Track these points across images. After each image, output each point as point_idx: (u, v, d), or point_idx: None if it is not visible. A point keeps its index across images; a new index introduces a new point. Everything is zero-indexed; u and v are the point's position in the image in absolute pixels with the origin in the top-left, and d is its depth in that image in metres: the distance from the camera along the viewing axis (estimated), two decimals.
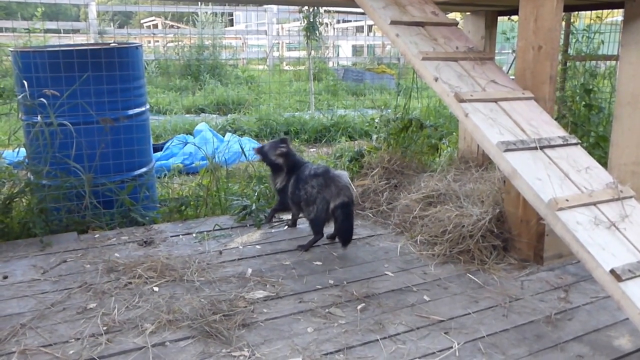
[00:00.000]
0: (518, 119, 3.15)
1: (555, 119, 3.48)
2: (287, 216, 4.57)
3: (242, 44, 20.15)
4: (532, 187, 2.81)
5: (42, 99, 4.24)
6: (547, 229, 3.70)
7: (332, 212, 3.99)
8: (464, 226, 3.96)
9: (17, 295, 3.37)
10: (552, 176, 2.89)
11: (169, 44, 15.84)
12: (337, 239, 4.15)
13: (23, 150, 4.64)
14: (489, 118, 3.07)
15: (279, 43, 19.15)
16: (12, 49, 4.63)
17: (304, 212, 4.15)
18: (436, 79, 3.25)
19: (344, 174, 4.09)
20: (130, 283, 3.49)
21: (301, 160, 4.34)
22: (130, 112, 4.76)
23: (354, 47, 21.32)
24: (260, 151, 4.37)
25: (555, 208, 2.72)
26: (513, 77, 3.75)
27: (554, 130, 3.19)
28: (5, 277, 3.59)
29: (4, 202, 4.29)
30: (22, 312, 3.16)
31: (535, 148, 3.00)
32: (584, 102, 5.15)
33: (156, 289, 3.44)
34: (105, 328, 2.97)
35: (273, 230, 4.14)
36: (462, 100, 3.13)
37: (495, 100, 3.25)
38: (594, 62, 5.54)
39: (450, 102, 3.20)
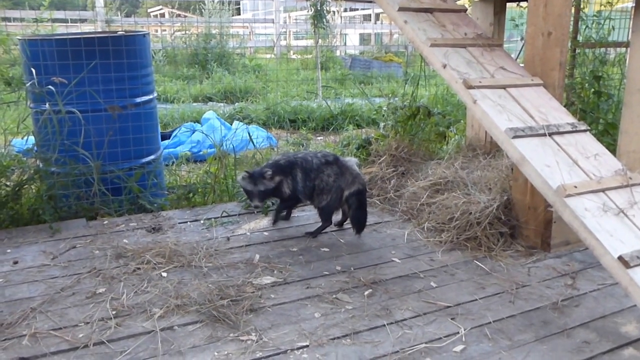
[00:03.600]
0: (527, 106, 3.15)
1: (564, 106, 3.46)
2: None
3: (249, 32, 20.12)
4: (540, 174, 2.81)
5: (50, 87, 4.25)
6: (554, 216, 3.69)
7: (345, 200, 4.02)
8: (471, 213, 3.96)
9: (27, 280, 3.40)
10: (561, 163, 2.88)
11: (176, 33, 15.81)
12: (344, 226, 4.17)
13: (32, 138, 4.66)
14: (497, 104, 3.07)
15: (286, 32, 19.09)
16: (20, 38, 4.64)
17: (315, 201, 4.11)
18: (444, 66, 3.24)
19: (354, 161, 4.10)
20: (139, 269, 3.52)
21: (290, 157, 4.15)
22: (138, 99, 4.77)
23: (361, 35, 21.23)
24: (252, 193, 4.00)
25: (564, 195, 2.72)
26: (522, 65, 3.73)
27: (563, 117, 3.18)
28: (16, 263, 3.63)
29: (14, 189, 4.32)
30: (32, 297, 3.19)
31: (544, 135, 2.99)
32: (593, 89, 5.13)
33: (164, 274, 3.46)
34: (114, 312, 3.00)
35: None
36: (470, 87, 3.13)
37: (504, 87, 3.24)
38: (603, 49, 5.49)
39: (458, 88, 3.19)
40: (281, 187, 4.03)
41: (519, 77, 3.37)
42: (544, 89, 3.38)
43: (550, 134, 3.01)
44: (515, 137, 2.91)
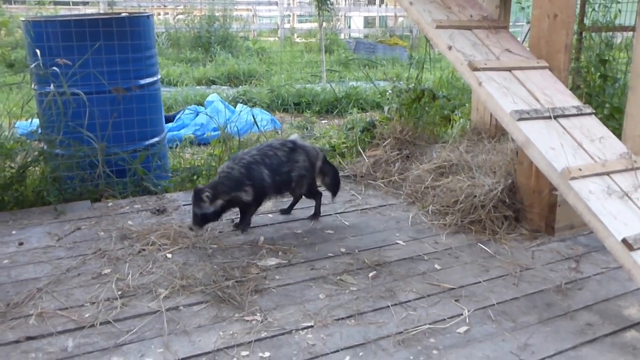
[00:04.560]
0: (532, 88, 3.14)
1: (570, 90, 3.45)
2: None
3: (253, 15, 20.01)
4: (545, 156, 2.81)
5: (54, 68, 4.25)
6: (559, 199, 3.70)
7: (320, 170, 4.04)
8: (475, 196, 3.96)
9: (32, 261, 3.43)
10: (566, 145, 2.89)
11: (179, 16, 15.73)
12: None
13: (36, 120, 4.66)
14: (502, 87, 3.06)
15: (290, 14, 18.99)
16: (24, 19, 4.62)
17: (296, 190, 4.01)
18: (450, 48, 3.24)
19: (296, 135, 4.11)
20: (144, 250, 3.54)
21: (234, 169, 3.73)
22: (142, 81, 4.77)
23: (365, 18, 21.10)
24: (202, 218, 3.65)
25: (568, 177, 2.72)
26: (528, 47, 3.72)
27: (568, 100, 3.18)
28: (21, 244, 3.65)
29: (18, 170, 4.33)
30: (38, 277, 3.22)
31: (549, 117, 2.99)
32: (599, 73, 5.10)
33: (169, 255, 3.49)
34: (120, 293, 3.03)
35: (285, 199, 4.16)
36: (475, 69, 3.12)
37: (510, 69, 3.23)
38: (610, 33, 5.45)
39: (463, 70, 3.19)
40: (236, 201, 3.73)
41: (524, 60, 3.36)
42: (549, 72, 3.37)
43: (555, 117, 3.01)
44: (520, 119, 2.91)
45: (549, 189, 3.70)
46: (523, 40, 7.14)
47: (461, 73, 3.26)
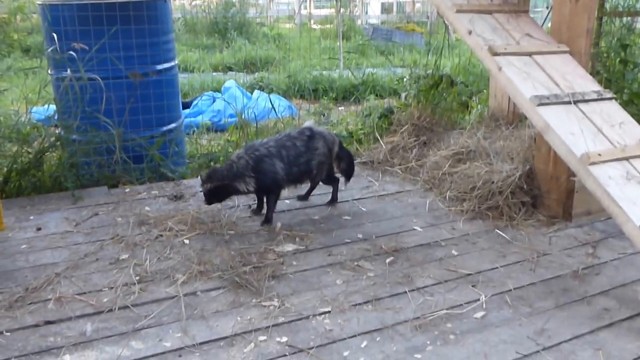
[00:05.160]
0: (552, 73, 3.11)
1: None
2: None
3: (269, 1, 19.96)
4: (564, 142, 2.79)
5: (71, 53, 4.25)
6: (577, 185, 3.67)
7: (336, 156, 4.03)
8: (493, 182, 3.94)
9: (51, 246, 3.46)
10: (585, 131, 2.86)
11: (195, 1, 15.71)
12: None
13: (52, 105, 4.68)
14: (522, 72, 3.03)
15: (306, 0, 18.92)
16: (40, 3, 4.62)
17: (317, 177, 4.00)
18: (470, 32, 3.21)
19: (310, 122, 4.08)
20: (161, 235, 3.56)
21: (241, 159, 3.70)
22: (159, 67, 4.76)
23: (382, 4, 20.97)
24: (205, 196, 3.74)
25: (588, 162, 2.70)
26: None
27: (589, 85, 3.14)
28: (39, 229, 3.68)
29: (35, 156, 4.36)
30: (56, 262, 3.25)
31: (569, 102, 2.96)
32: (619, 58, 5.04)
33: (187, 241, 3.50)
34: (137, 278, 3.05)
35: (303, 185, 4.17)
36: (495, 54, 3.09)
37: (530, 54, 3.20)
38: (630, 18, 5.37)
39: (483, 55, 3.16)
40: (232, 189, 3.70)
41: (544, 44, 3.32)
42: (570, 57, 3.33)
43: (575, 102, 2.98)
44: (540, 104, 2.88)
45: (567, 175, 3.67)
46: (543, 24, 7.06)
47: (481, 58, 3.23)
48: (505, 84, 3.08)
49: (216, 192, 3.68)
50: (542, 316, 2.74)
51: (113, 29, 4.38)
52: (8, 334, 2.58)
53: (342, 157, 4.10)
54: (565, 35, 3.48)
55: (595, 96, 3.06)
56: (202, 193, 3.73)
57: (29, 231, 3.65)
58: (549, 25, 3.75)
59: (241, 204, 4.07)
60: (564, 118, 2.88)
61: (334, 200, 4.12)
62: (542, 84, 3.02)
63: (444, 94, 5.50)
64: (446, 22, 3.64)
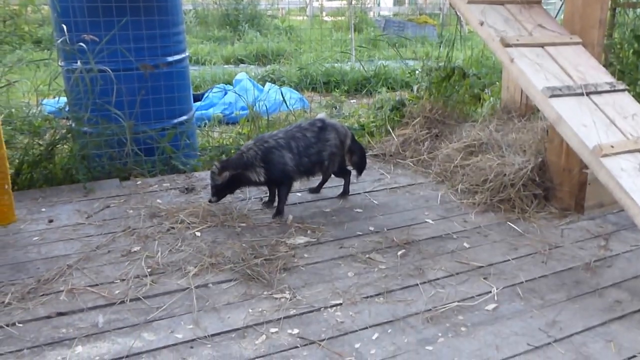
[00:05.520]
0: (565, 64, 3.09)
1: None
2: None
3: None
4: (576, 134, 2.77)
5: (81, 44, 4.24)
6: (589, 178, 3.65)
7: (348, 149, 4.03)
8: (505, 175, 3.92)
9: (62, 238, 3.48)
10: (598, 122, 2.84)
11: None
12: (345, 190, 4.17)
13: (63, 97, 4.68)
14: (535, 63, 3.01)
15: None
16: None
17: (329, 168, 3.99)
18: (481, 23, 3.19)
19: (324, 114, 4.06)
20: (173, 228, 3.57)
21: (250, 150, 3.73)
22: (170, 58, 4.75)
23: None
24: (215, 190, 3.73)
25: (600, 154, 2.68)
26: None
27: (601, 76, 3.12)
28: (51, 221, 3.71)
29: (47, 148, 4.37)
30: (68, 254, 3.27)
31: (582, 94, 2.94)
32: (632, 50, 4.99)
33: (198, 233, 3.51)
34: (149, 270, 3.06)
35: (315, 178, 4.16)
36: (507, 45, 3.07)
37: (542, 45, 3.18)
38: None
39: (495, 47, 3.14)
40: (244, 179, 3.73)
41: (557, 36, 3.29)
42: (582, 48, 3.30)
43: (587, 94, 2.95)
44: (552, 96, 2.86)
45: (579, 168, 3.66)
46: (556, 16, 7.00)
47: (493, 49, 3.21)
48: (518, 75, 3.06)
49: (230, 182, 3.69)
50: (554, 308, 2.73)
51: (123, 20, 4.37)
52: (20, 325, 2.60)
53: (354, 150, 4.10)
54: (578, 26, 3.45)
55: (608, 88, 3.03)
56: (213, 186, 3.71)
57: (40, 223, 3.67)
58: (562, 16, 3.72)
59: (252, 196, 4.08)
60: (577, 110, 2.86)
61: (345, 193, 4.12)
62: (555, 75, 3.00)
63: (456, 87, 5.48)
64: (458, 13, 3.61)
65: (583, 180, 3.70)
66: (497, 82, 5.73)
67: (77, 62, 4.31)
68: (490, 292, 2.86)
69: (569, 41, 3.29)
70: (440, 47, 6.05)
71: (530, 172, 3.86)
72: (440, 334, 2.54)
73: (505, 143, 4.34)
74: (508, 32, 3.18)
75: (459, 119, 5.22)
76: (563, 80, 2.98)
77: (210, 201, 3.75)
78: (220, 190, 3.72)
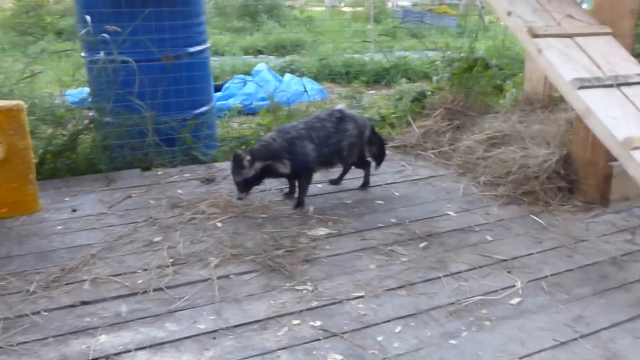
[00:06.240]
0: (594, 55, 3.03)
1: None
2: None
3: None
4: (606, 126, 2.72)
5: (104, 35, 4.24)
6: (615, 170, 3.59)
7: (367, 140, 4.00)
8: (529, 167, 3.87)
9: (86, 227, 3.50)
10: (628, 115, 2.78)
11: None
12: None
13: (86, 88, 4.69)
14: (563, 54, 2.96)
15: None
16: None
17: (348, 159, 3.95)
18: (509, 13, 3.13)
19: (344, 105, 4.04)
20: (194, 218, 3.57)
21: (275, 141, 3.70)
22: (191, 49, 4.75)
23: None
24: (245, 184, 3.64)
25: (630, 147, 2.63)
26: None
27: (632, 67, 3.06)
28: (74, 211, 3.72)
29: (70, 138, 4.39)
30: (91, 244, 3.28)
31: (611, 85, 2.89)
32: None
33: (219, 224, 3.51)
34: (171, 260, 3.06)
35: (334, 170, 4.14)
36: (535, 36, 3.02)
37: (571, 36, 3.12)
38: None
39: (523, 37, 3.09)
40: (272, 170, 3.70)
41: (586, 26, 3.23)
42: (612, 38, 3.24)
43: (617, 85, 2.90)
44: (580, 87, 2.81)
45: (605, 160, 3.60)
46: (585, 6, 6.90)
47: (520, 40, 3.16)
48: (545, 66, 3.01)
49: (259, 174, 3.65)
50: (580, 303, 2.69)
51: (146, 11, 4.36)
52: (45, 313, 2.61)
53: (374, 141, 4.07)
54: (608, 16, 3.38)
55: (638, 79, 2.97)
56: (242, 181, 3.60)
57: (64, 212, 3.69)
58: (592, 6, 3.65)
59: (273, 187, 4.07)
60: (606, 101, 2.81)
61: (366, 184, 4.10)
62: (584, 66, 2.95)
63: (478, 78, 5.42)
64: (482, 3, 3.56)
65: (609, 173, 3.64)
66: (520, 73, 5.66)
67: (100, 53, 4.32)
68: (515, 285, 2.82)
69: (599, 31, 3.23)
70: (461, 37, 5.99)
71: (554, 165, 3.81)
72: (463, 328, 2.51)
73: (528, 135, 4.29)
74: (536, 22, 3.12)
75: (481, 110, 5.17)
76: (592, 71, 2.93)
77: (239, 198, 3.68)
78: (249, 184, 3.66)
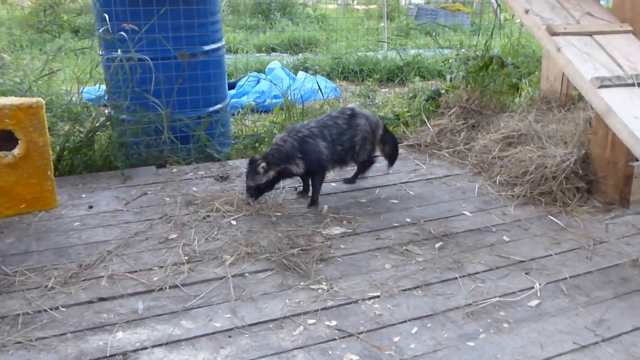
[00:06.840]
0: (614, 54, 2.99)
1: None
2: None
3: None
4: (627, 126, 2.68)
5: (121, 33, 4.27)
6: (635, 171, 3.54)
7: (381, 139, 4.00)
8: (546, 167, 3.83)
9: (102, 224, 3.51)
10: None
11: None
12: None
13: (103, 86, 4.72)
14: (583, 52, 2.92)
15: None
16: None
17: (360, 154, 3.94)
18: (527, 11, 3.10)
19: (356, 104, 4.02)
20: (209, 216, 3.57)
21: (286, 142, 3.69)
22: (207, 47, 4.76)
23: None
24: (256, 189, 3.68)
25: None
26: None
27: None
28: (91, 207, 3.74)
29: (87, 135, 4.42)
30: (107, 240, 3.29)
31: (633, 84, 2.85)
32: None
33: (234, 222, 3.50)
34: (186, 258, 3.06)
35: (348, 169, 4.12)
36: (554, 34, 2.98)
37: (590, 34, 3.08)
38: None
39: (541, 35, 3.05)
40: (286, 172, 3.70)
41: (606, 24, 3.19)
42: (633, 37, 3.19)
43: (639, 84, 2.86)
44: (601, 86, 2.78)
45: (625, 160, 3.56)
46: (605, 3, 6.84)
47: (538, 38, 3.12)
48: (564, 65, 2.97)
49: (275, 179, 3.67)
50: (600, 306, 2.65)
51: (162, 10, 4.40)
52: (64, 309, 2.62)
53: (387, 140, 4.07)
54: (628, 14, 3.33)
55: None
56: (255, 186, 3.64)
57: (81, 209, 3.71)
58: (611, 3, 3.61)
59: (287, 186, 4.05)
60: (627, 101, 2.77)
61: (352, 181, 4.12)
62: (604, 65, 2.91)
63: (494, 76, 5.38)
64: (498, 0, 3.52)
65: (629, 174, 3.59)
66: (536, 72, 5.61)
67: (117, 51, 4.35)
68: (533, 287, 2.79)
69: (619, 29, 3.19)
70: (476, 35, 5.95)
71: (572, 165, 3.76)
72: (481, 330, 2.49)
73: (545, 134, 4.25)
74: (555, 20, 3.09)
75: (497, 109, 5.13)
76: (613, 70, 2.89)
77: (249, 203, 3.69)
78: (261, 190, 3.69)
